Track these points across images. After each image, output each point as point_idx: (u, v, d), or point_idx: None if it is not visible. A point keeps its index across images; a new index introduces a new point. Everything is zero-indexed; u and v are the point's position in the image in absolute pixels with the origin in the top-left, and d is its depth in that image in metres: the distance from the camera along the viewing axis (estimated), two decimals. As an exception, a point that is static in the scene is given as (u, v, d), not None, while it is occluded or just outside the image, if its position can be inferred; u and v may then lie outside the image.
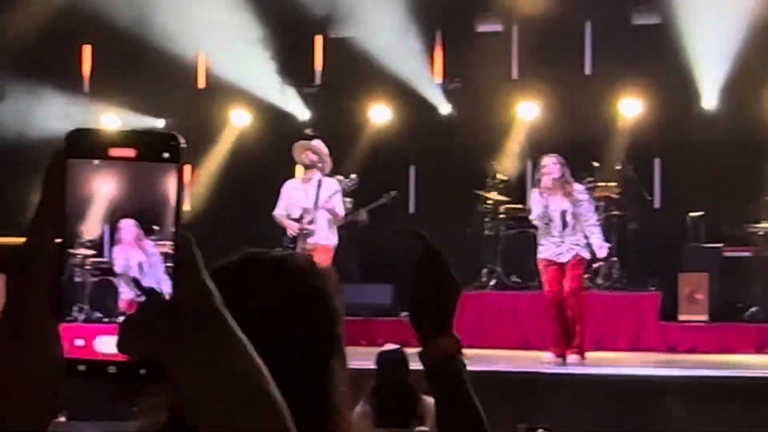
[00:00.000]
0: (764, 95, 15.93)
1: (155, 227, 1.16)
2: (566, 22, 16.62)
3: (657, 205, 16.40)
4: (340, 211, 12.73)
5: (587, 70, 17.19)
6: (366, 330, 14.11)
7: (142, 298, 1.16)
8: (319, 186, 12.60)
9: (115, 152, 1.14)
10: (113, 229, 1.17)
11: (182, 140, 1.15)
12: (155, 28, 16.45)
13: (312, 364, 1.95)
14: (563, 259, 11.93)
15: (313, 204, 12.53)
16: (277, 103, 17.70)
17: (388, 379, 7.65)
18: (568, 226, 11.91)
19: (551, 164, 11.94)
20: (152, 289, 1.15)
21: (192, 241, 1.15)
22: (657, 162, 16.81)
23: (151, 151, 1.14)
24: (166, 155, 1.14)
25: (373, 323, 14.51)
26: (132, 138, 1.14)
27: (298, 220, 12.57)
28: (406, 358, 7.69)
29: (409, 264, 2.37)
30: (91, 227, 1.15)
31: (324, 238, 12.56)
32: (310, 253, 2.18)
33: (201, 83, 18.18)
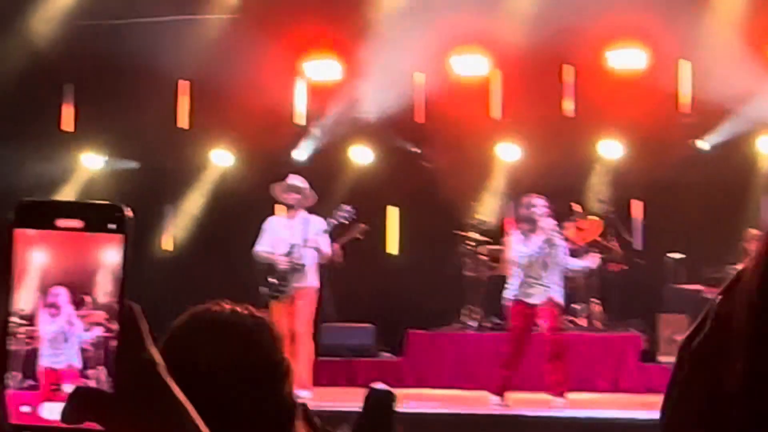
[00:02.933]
0: (744, 138, 16.02)
1: (89, 297, 1.18)
2: (547, 64, 16.69)
3: (638, 246, 16.44)
4: (327, 249, 12.68)
5: (568, 112, 17.25)
6: (346, 370, 14.08)
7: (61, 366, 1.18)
8: (306, 223, 12.58)
9: (62, 223, 1.16)
10: (45, 296, 1.17)
11: (128, 211, 1.16)
12: (136, 65, 16.43)
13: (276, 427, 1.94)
14: (535, 301, 11.88)
15: (301, 240, 12.48)
16: (256, 144, 17.69)
17: (373, 418, 7.69)
18: (548, 268, 11.88)
19: (542, 206, 11.94)
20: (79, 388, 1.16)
21: (136, 311, 1.16)
22: (637, 203, 16.86)
23: (98, 221, 1.16)
24: (112, 226, 1.16)
25: (354, 363, 14.47)
26: (79, 209, 1.16)
27: (287, 256, 12.51)
28: (394, 401, 7.72)
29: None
30: (27, 295, 1.17)
31: (311, 280, 12.50)
32: (252, 308, 2.17)
33: (183, 123, 18.15)
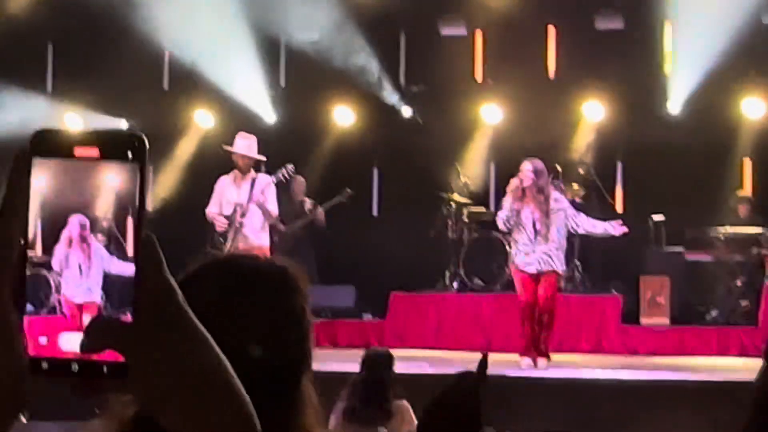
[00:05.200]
0: (726, 100, 16.03)
1: (107, 225, 1.18)
2: (530, 26, 16.67)
3: (619, 209, 16.46)
4: (273, 208, 12.63)
5: (551, 74, 17.25)
6: (328, 332, 14.11)
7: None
8: (253, 182, 12.55)
9: (79, 151, 1.14)
10: (62, 225, 1.17)
11: (146, 141, 1.15)
12: (120, 27, 16.37)
13: (283, 381, 1.94)
14: (531, 270, 11.86)
15: (246, 199, 12.48)
16: (244, 104, 17.63)
17: (370, 375, 7.88)
18: (539, 234, 11.84)
19: (526, 171, 11.82)
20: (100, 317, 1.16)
21: (154, 241, 1.15)
22: (619, 166, 16.89)
23: (115, 150, 1.15)
24: (129, 155, 1.15)
25: (336, 325, 14.50)
26: (96, 137, 1.15)
27: (231, 216, 12.50)
28: (392, 359, 7.96)
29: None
30: (44, 223, 1.16)
31: (256, 238, 12.46)
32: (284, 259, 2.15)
33: (165, 84, 18.09)
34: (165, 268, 1.15)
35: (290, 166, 12.90)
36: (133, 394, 1.15)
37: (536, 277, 11.89)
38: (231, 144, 12.83)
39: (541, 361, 11.83)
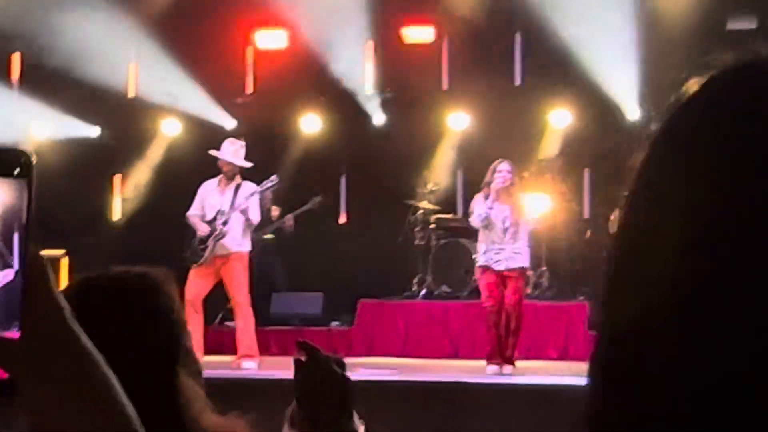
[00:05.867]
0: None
1: None
2: (496, 33, 16.71)
3: (586, 215, 16.51)
4: (255, 216, 12.62)
5: (517, 81, 17.28)
6: (297, 339, 14.07)
7: None
8: (237, 189, 12.53)
9: None
10: None
11: (33, 156, 1.15)
12: (87, 38, 16.31)
13: (161, 376, 2.01)
14: (500, 267, 11.99)
15: (228, 205, 12.46)
16: (205, 114, 17.61)
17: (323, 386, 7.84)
18: (508, 233, 12.00)
19: (506, 171, 12.05)
20: None
21: (42, 257, 1.15)
22: (586, 172, 16.93)
23: (2, 166, 1.14)
24: (17, 171, 1.14)
25: (304, 332, 14.47)
26: None
27: (212, 221, 12.48)
28: (344, 369, 7.91)
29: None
30: None
31: (237, 244, 12.43)
32: (148, 269, 2.17)
33: (131, 93, 18.02)
34: (54, 286, 1.15)
35: (274, 177, 12.91)
36: (22, 412, 1.14)
37: (503, 279, 11.97)
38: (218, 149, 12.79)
39: (507, 368, 11.87)
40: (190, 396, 2.09)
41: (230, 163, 12.57)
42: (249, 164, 12.76)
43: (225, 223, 12.39)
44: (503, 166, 12.12)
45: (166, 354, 2.09)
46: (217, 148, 12.81)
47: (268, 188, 12.91)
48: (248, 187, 12.61)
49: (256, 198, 12.66)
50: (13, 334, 1.13)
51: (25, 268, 1.14)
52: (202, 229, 12.44)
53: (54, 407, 1.13)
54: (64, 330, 1.14)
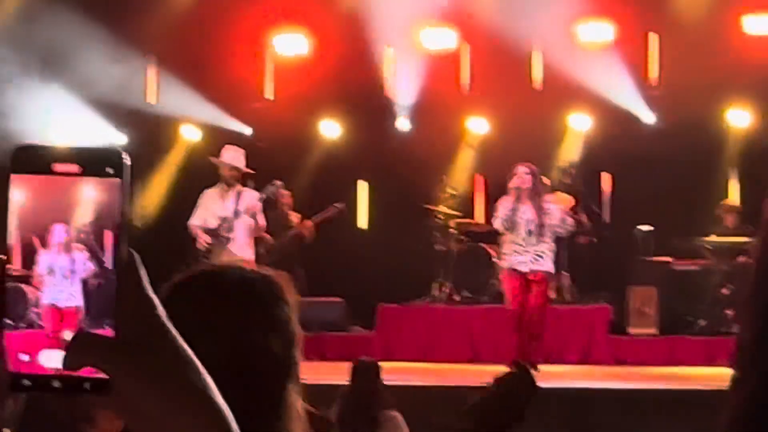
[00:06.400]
0: (711, 110, 16.06)
1: (89, 241, 1.17)
2: (516, 38, 16.66)
3: (606, 219, 16.47)
4: (261, 221, 12.64)
5: (537, 85, 17.24)
6: (316, 345, 14.08)
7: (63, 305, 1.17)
8: (239, 195, 12.53)
9: (59, 167, 1.14)
10: (42, 238, 1.16)
11: (127, 157, 1.15)
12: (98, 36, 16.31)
13: (267, 391, 1.95)
14: (524, 269, 11.96)
15: (232, 212, 12.45)
16: (226, 119, 17.62)
17: (360, 384, 7.98)
18: (532, 234, 11.97)
19: (523, 173, 12.04)
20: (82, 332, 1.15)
21: (136, 257, 1.15)
22: (606, 176, 16.89)
23: (96, 166, 1.15)
24: (110, 171, 1.15)
25: (324, 338, 14.47)
26: (76, 153, 1.15)
27: (216, 230, 12.48)
28: (380, 369, 8.13)
29: None
30: (25, 237, 1.16)
31: (241, 252, 12.41)
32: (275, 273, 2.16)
33: (150, 99, 18.02)
34: (146, 285, 1.15)
35: (278, 183, 12.91)
36: (116, 412, 1.14)
37: (527, 282, 11.94)
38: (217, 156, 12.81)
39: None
40: (295, 417, 2.02)
41: (233, 169, 12.59)
42: (250, 171, 12.80)
43: (230, 230, 12.39)
44: (521, 168, 12.12)
45: (281, 368, 2.03)
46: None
47: (271, 191, 12.91)
48: (250, 193, 12.63)
49: (260, 205, 12.70)
50: (106, 332, 1.14)
51: (118, 267, 1.14)
52: (204, 239, 12.44)
53: (151, 407, 1.12)
54: (159, 329, 1.15)
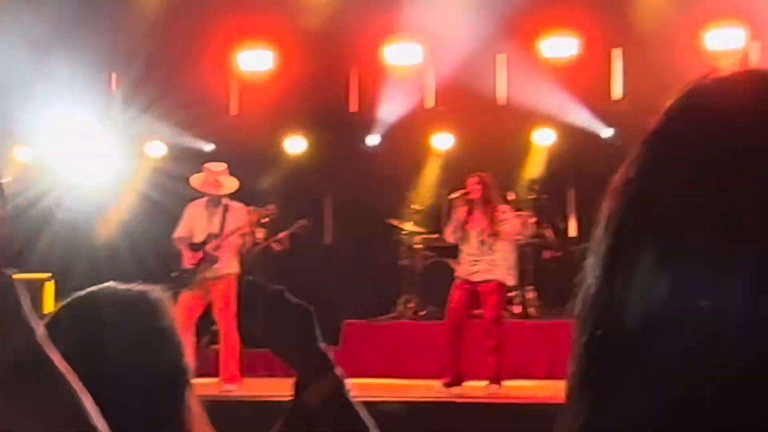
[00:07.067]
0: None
1: None
2: (480, 53, 16.70)
3: (572, 233, 16.52)
4: (257, 234, 12.64)
5: (501, 101, 17.28)
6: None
7: None
8: (225, 211, 12.48)
9: None
10: None
11: (3, 179, 1.15)
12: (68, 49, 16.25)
13: (165, 397, 2.02)
14: (477, 279, 11.92)
15: (218, 229, 12.40)
16: (188, 136, 17.58)
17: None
18: (485, 244, 11.93)
19: (473, 183, 12.02)
20: None
21: (12, 279, 1.14)
22: (570, 191, 16.95)
23: None
24: None
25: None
26: None
27: (202, 244, 12.42)
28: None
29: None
30: None
31: (227, 267, 12.39)
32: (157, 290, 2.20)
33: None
34: (25, 308, 1.14)
35: (271, 207, 12.90)
36: None
37: (478, 295, 11.89)
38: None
39: (493, 387, 11.81)
40: (196, 419, 2.11)
41: (219, 186, 12.57)
42: (231, 190, 12.72)
43: (216, 248, 12.34)
44: (471, 180, 12.10)
45: (175, 373, 2.10)
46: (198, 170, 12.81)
47: (264, 217, 12.90)
48: (237, 208, 12.59)
49: (247, 225, 12.70)
50: None
51: None
52: (190, 256, 12.37)
53: (24, 423, 1.12)
54: (34, 351, 1.13)
